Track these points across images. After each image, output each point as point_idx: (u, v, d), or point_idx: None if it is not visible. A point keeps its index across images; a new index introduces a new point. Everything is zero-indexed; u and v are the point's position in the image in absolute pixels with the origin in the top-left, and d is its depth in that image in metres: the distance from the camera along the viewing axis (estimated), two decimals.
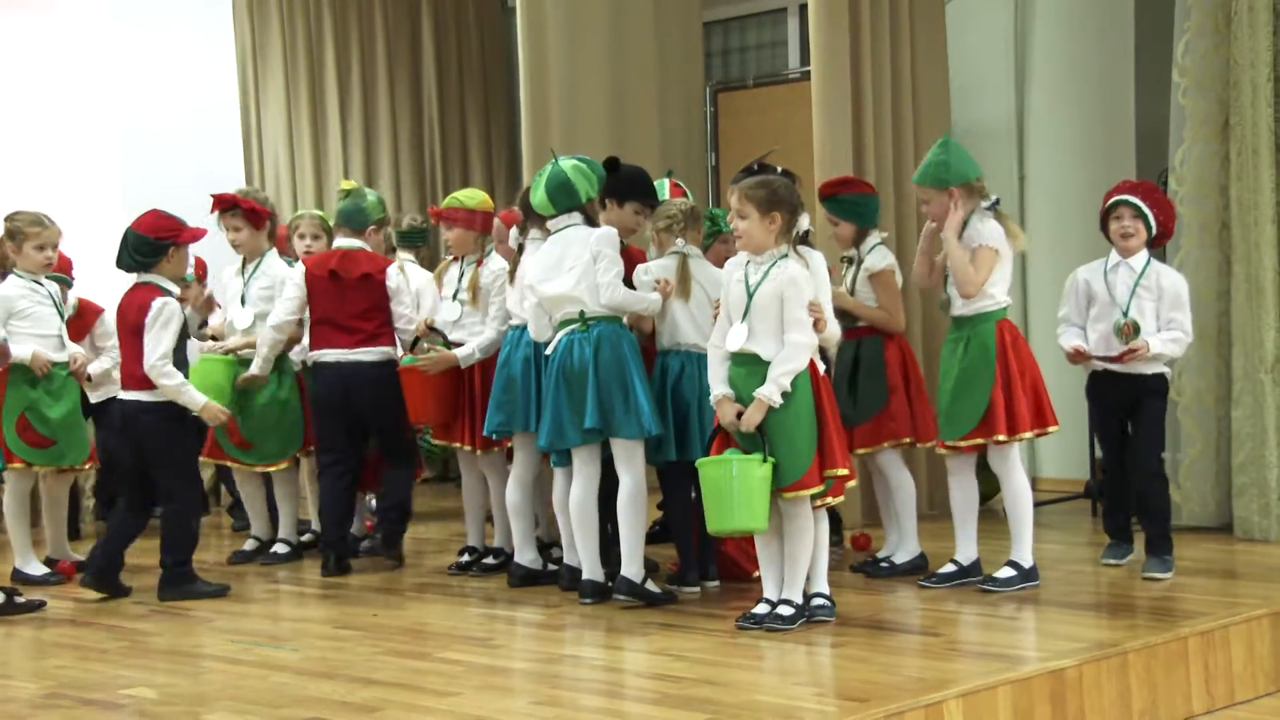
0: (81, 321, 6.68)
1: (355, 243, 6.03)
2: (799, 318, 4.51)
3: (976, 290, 4.97)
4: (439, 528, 7.22)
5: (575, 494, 5.09)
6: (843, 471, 4.59)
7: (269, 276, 6.18)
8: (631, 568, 4.99)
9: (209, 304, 6.68)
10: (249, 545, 6.43)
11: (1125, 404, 5.34)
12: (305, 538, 6.57)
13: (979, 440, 4.99)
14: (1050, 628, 4.59)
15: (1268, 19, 5.95)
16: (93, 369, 6.49)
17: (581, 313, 5.03)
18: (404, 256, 6.87)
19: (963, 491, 5.13)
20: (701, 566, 5.26)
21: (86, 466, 6.22)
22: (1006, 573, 5.02)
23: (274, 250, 6.30)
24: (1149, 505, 5.30)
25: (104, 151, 8.57)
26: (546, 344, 5.20)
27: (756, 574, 4.81)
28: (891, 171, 6.75)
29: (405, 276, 6.12)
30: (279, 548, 6.37)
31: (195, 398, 5.47)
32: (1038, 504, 6.44)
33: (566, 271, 5.04)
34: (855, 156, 6.65)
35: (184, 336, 5.53)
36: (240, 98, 9.08)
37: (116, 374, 6.42)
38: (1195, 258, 6.20)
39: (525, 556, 5.52)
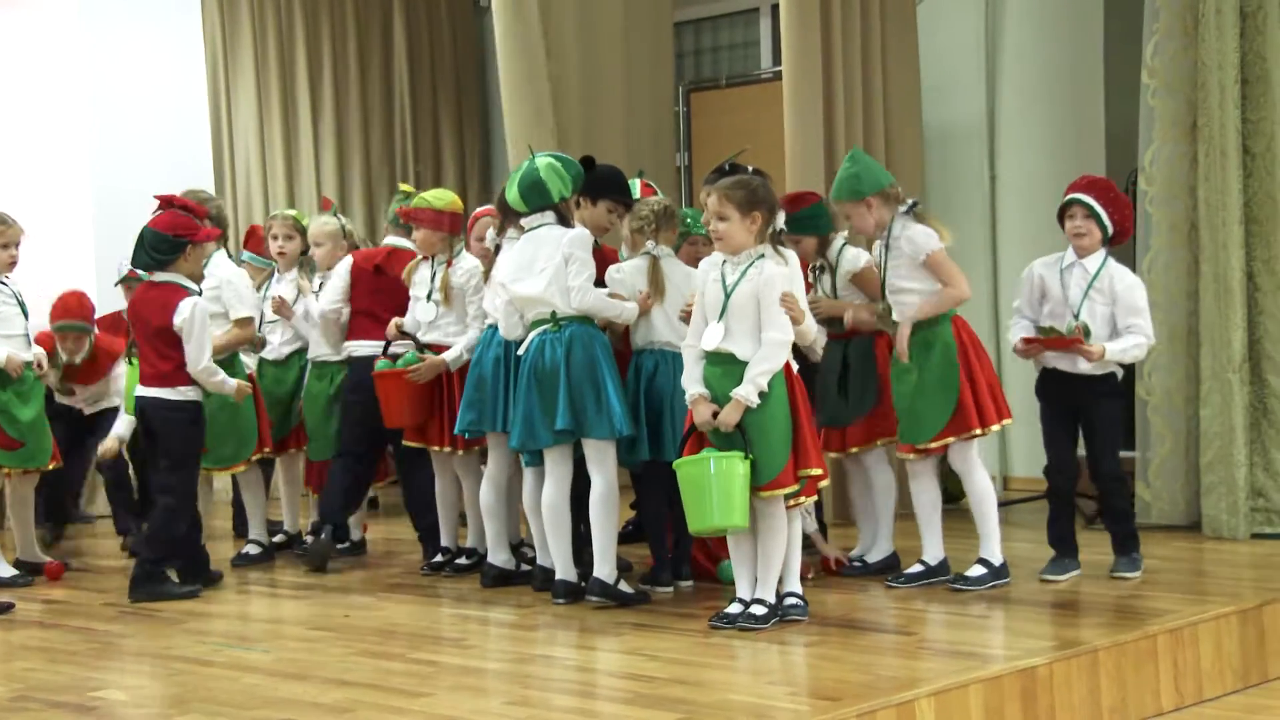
0: (95, 366, 6.63)
1: (404, 243, 6.06)
2: (776, 318, 4.52)
3: (968, 292, 4.98)
4: (410, 528, 7.19)
5: (547, 494, 5.08)
6: (816, 471, 4.60)
7: (215, 277, 6.12)
8: (604, 568, 4.99)
9: None
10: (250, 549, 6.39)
11: (1074, 406, 5.21)
12: (277, 538, 6.55)
13: (950, 439, 5.01)
14: (1020, 626, 4.61)
15: (1235, 21, 5.99)
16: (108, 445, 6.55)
17: (553, 313, 5.03)
18: (396, 240, 6.75)
19: (927, 493, 5.15)
20: (675, 566, 5.27)
21: (51, 467, 6.18)
22: (977, 571, 5.04)
23: (221, 251, 6.26)
24: (1112, 507, 5.28)
25: (74, 150, 8.50)
26: (518, 344, 5.20)
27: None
28: None
29: None
30: (250, 548, 6.35)
31: (230, 384, 5.66)
32: (1008, 503, 6.50)
33: (538, 273, 5.03)
34: (826, 156, 6.67)
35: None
36: (210, 96, 9.03)
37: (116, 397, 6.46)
38: (1165, 258, 6.25)
39: (499, 557, 5.51)
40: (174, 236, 5.48)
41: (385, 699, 3.96)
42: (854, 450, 5.40)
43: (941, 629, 4.60)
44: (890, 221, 5.04)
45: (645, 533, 5.49)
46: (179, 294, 5.47)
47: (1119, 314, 5.12)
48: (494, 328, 5.39)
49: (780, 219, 4.73)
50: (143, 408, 5.56)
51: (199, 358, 5.47)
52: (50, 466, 6.15)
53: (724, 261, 4.62)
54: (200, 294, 5.57)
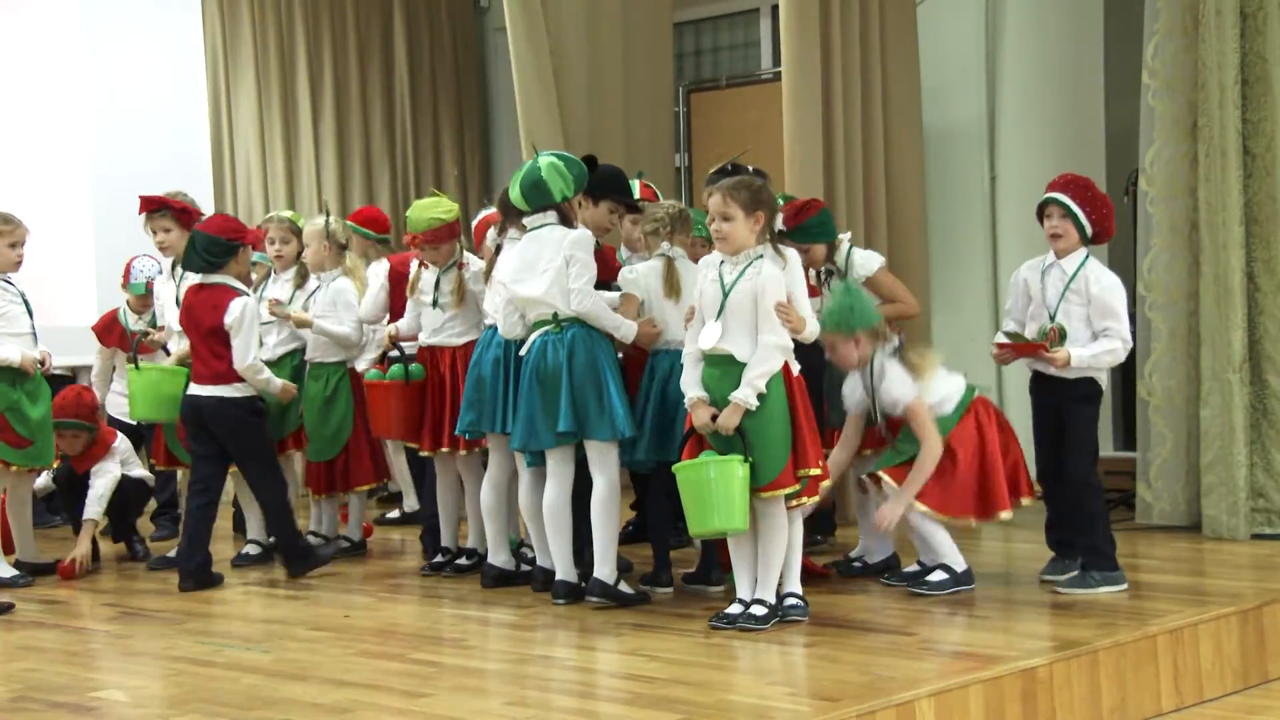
0: (93, 451, 6.49)
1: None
2: (773, 320, 4.52)
3: (939, 449, 4.92)
4: (412, 528, 7.20)
5: (549, 495, 5.08)
6: (815, 471, 4.59)
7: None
8: (604, 569, 4.99)
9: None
10: (174, 552, 6.37)
11: (1053, 409, 5.14)
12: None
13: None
14: (1021, 626, 4.61)
15: (1235, 22, 5.99)
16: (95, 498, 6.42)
17: (555, 314, 5.02)
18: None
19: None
20: (705, 571, 5.24)
21: (56, 465, 6.18)
22: (938, 576, 4.98)
23: None
24: (1081, 513, 5.09)
25: (74, 150, 8.51)
26: (519, 345, 5.20)
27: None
28: (861, 172, 6.77)
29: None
30: (250, 549, 6.35)
31: (276, 383, 5.88)
32: None
33: (540, 274, 5.03)
34: (825, 157, 6.67)
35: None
36: (210, 96, 9.03)
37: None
38: (1165, 259, 6.24)
39: (499, 558, 5.51)
40: (226, 240, 5.73)
41: (385, 699, 3.96)
42: (866, 453, 5.35)
43: (942, 629, 4.60)
44: (871, 357, 5.00)
45: (648, 533, 5.48)
46: (230, 294, 5.71)
47: (1093, 316, 5.00)
48: (494, 328, 5.39)
49: (779, 219, 4.73)
50: (198, 405, 5.73)
51: (245, 355, 5.69)
52: (55, 466, 6.16)
53: (721, 262, 4.63)
54: (249, 294, 5.80)
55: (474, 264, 5.75)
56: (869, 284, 5.44)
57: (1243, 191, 6.03)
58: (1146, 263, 6.28)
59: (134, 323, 7.16)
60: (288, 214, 6.75)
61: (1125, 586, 4.99)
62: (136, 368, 6.16)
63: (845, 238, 5.56)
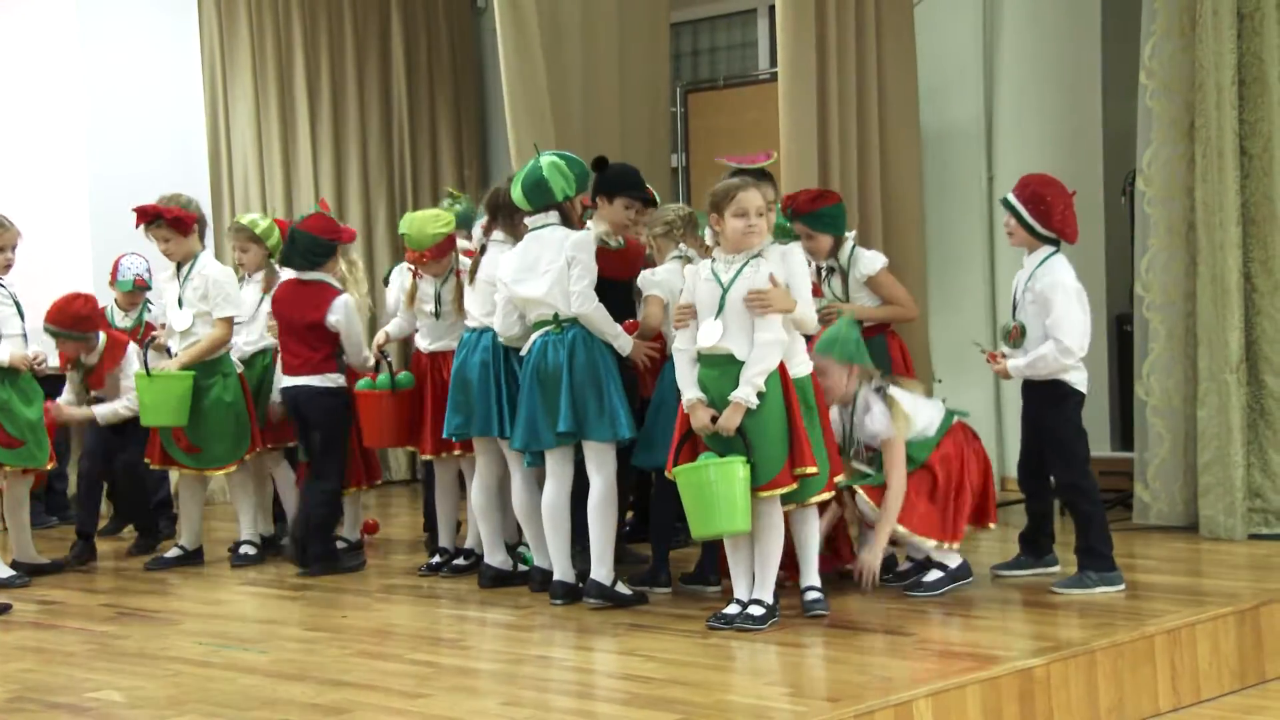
0: (103, 363, 6.58)
1: (467, 244, 6.12)
2: (770, 317, 4.52)
3: (904, 485, 4.93)
4: (409, 529, 7.20)
5: (548, 495, 5.09)
6: (812, 469, 4.59)
7: (202, 278, 6.14)
8: (601, 570, 4.99)
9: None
10: (172, 553, 6.36)
11: (1031, 413, 5.19)
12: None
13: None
14: (1018, 627, 4.61)
15: (1232, 22, 5.99)
16: (101, 411, 6.55)
17: (555, 315, 5.02)
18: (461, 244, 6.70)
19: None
20: (701, 573, 5.23)
21: (50, 467, 6.17)
22: (934, 575, 4.99)
23: (207, 252, 6.26)
24: (1074, 518, 5.14)
25: (70, 153, 8.50)
26: (506, 348, 5.23)
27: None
28: (858, 172, 6.77)
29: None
30: (246, 549, 6.35)
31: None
32: (1005, 504, 6.49)
33: (541, 274, 5.03)
34: (821, 157, 6.67)
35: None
36: (207, 98, 9.02)
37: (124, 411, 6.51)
38: (1163, 259, 6.24)
39: (495, 558, 5.51)
40: (327, 240, 5.96)
41: (383, 700, 3.96)
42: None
43: (939, 629, 4.60)
44: (856, 392, 5.03)
45: (648, 533, 5.47)
46: (330, 292, 5.97)
47: (1039, 315, 5.03)
48: (478, 331, 5.37)
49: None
50: (294, 396, 5.98)
51: (359, 350, 6.04)
52: (49, 467, 6.14)
53: (713, 262, 4.63)
54: (345, 291, 6.00)
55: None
56: (870, 284, 5.44)
57: (1240, 192, 6.03)
58: (1144, 263, 6.28)
59: (120, 319, 7.16)
60: (245, 220, 6.71)
61: (1123, 587, 4.99)
62: (148, 374, 6.13)
63: (851, 236, 5.56)
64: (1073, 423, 5.08)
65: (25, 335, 6.03)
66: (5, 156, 8.39)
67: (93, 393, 6.64)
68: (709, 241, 4.78)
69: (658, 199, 5.75)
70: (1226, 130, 5.99)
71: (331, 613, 5.23)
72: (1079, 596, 4.92)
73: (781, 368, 4.57)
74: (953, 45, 7.79)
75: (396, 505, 8.02)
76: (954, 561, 4.97)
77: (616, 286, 5.26)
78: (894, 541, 5.12)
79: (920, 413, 5.07)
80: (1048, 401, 5.07)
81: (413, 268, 5.80)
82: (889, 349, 5.42)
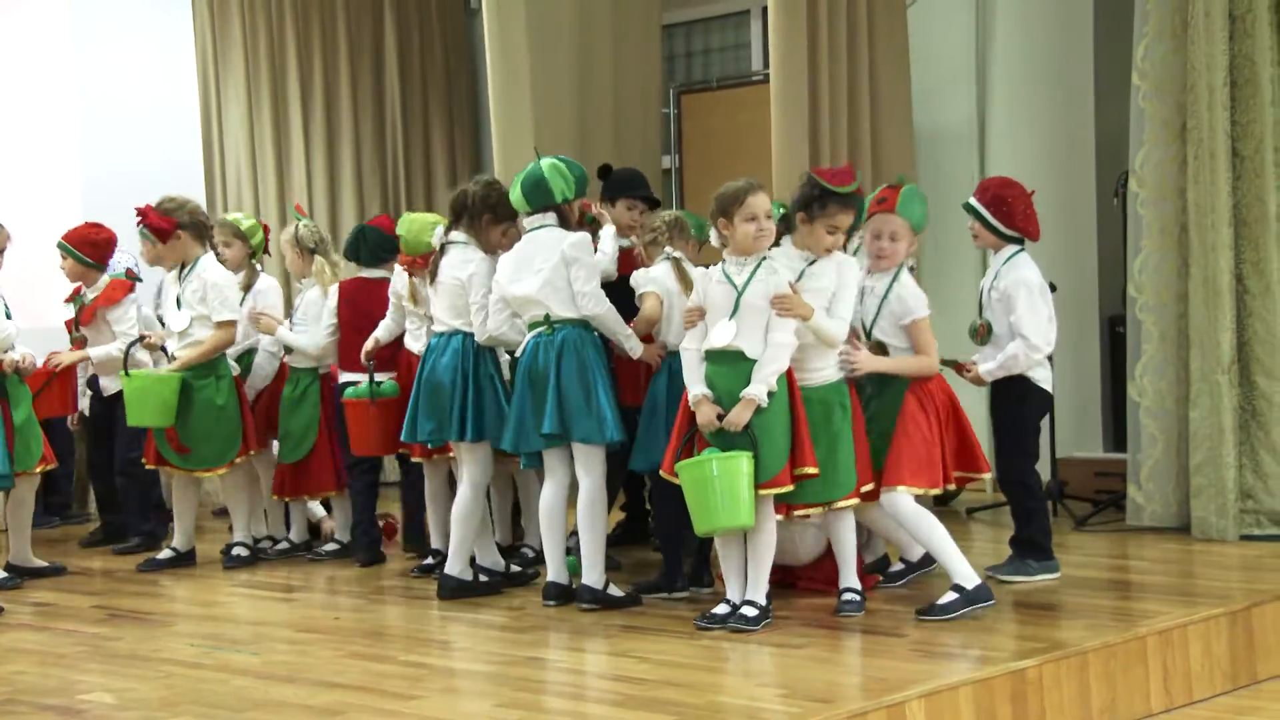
0: (104, 296, 6.67)
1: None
2: (787, 320, 4.57)
3: (936, 365, 4.87)
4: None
5: (545, 497, 5.09)
6: (812, 470, 4.59)
7: (201, 281, 6.15)
8: (593, 575, 4.99)
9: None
10: (163, 554, 6.35)
11: (995, 410, 5.23)
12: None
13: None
14: (1011, 628, 4.62)
15: (1224, 24, 6.00)
16: (96, 353, 6.62)
17: (546, 315, 5.02)
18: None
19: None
20: (697, 572, 5.23)
21: (38, 470, 6.14)
22: (949, 597, 4.73)
23: (209, 255, 6.25)
24: (1015, 511, 5.21)
25: (63, 153, 8.49)
26: (507, 348, 5.24)
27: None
28: None
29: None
30: (239, 550, 6.34)
31: None
32: (1000, 505, 6.50)
33: (534, 273, 5.03)
34: (813, 159, 6.67)
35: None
36: (201, 100, 9.02)
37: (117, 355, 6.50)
38: (1155, 260, 6.25)
39: (455, 567, 5.36)
40: (394, 237, 5.92)
41: (376, 701, 3.95)
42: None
43: (932, 631, 4.60)
44: (900, 264, 4.93)
45: (657, 539, 5.40)
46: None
47: (1006, 312, 5.10)
48: (446, 334, 5.35)
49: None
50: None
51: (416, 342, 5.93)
52: (38, 470, 6.12)
53: (724, 265, 4.67)
54: None
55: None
56: (909, 328, 5.18)
57: (1231, 193, 6.04)
58: (1137, 264, 6.29)
59: None
60: (231, 217, 6.75)
61: (1058, 574, 5.19)
62: (127, 374, 6.16)
63: (859, 237, 5.53)
64: (1031, 421, 5.19)
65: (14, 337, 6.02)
66: None
67: (82, 330, 6.68)
68: (715, 243, 4.78)
69: (659, 199, 5.79)
70: (1218, 132, 6.00)
71: (324, 614, 5.22)
72: (1022, 583, 5.06)
73: (789, 372, 4.60)
74: (945, 47, 7.80)
75: (390, 506, 7.99)
76: (970, 582, 4.69)
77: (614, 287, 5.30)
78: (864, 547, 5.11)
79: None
80: (1012, 398, 5.17)
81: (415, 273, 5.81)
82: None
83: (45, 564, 6.24)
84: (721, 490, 4.46)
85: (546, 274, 5.00)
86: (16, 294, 6.22)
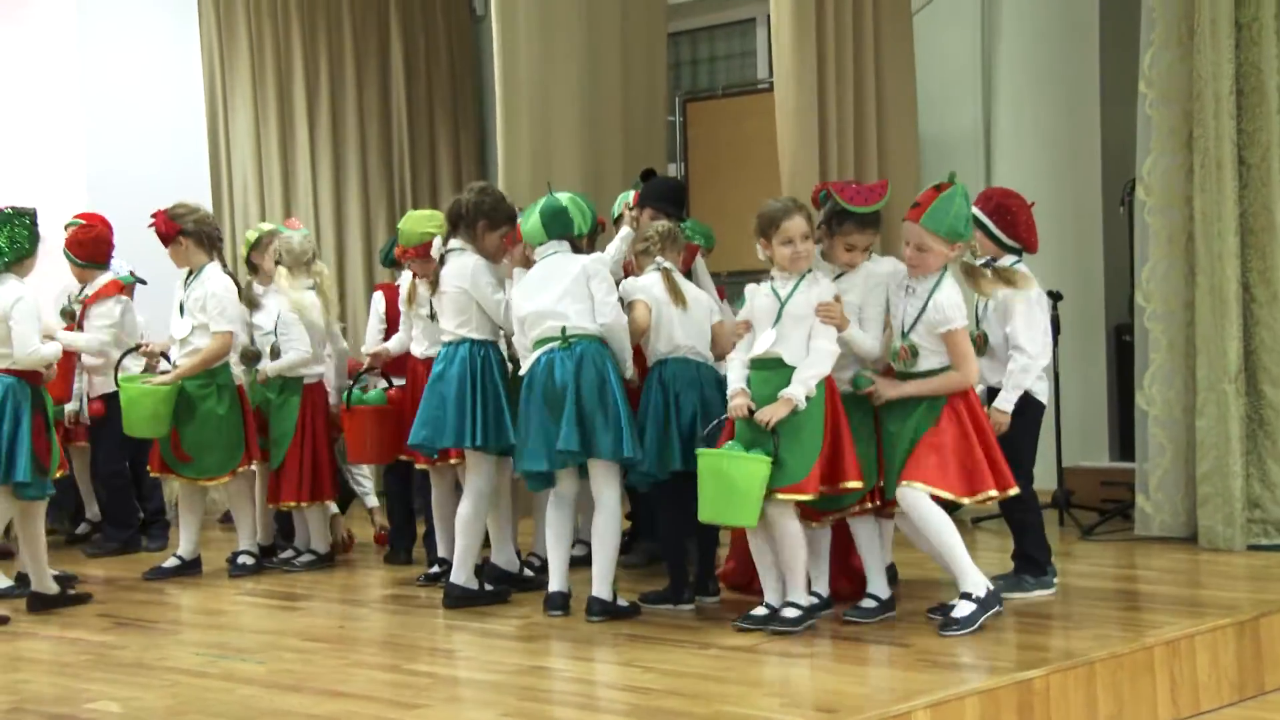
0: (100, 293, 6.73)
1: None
2: (827, 327, 4.63)
3: (976, 378, 4.76)
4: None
5: (552, 508, 5.10)
6: (855, 484, 4.61)
7: (202, 288, 6.16)
8: (603, 588, 5.00)
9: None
10: (169, 563, 6.35)
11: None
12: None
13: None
14: (1017, 638, 4.60)
15: (1230, 32, 5.99)
16: (86, 340, 6.66)
17: (564, 329, 5.02)
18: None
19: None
20: (701, 582, 5.22)
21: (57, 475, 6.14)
22: (966, 609, 4.61)
23: (214, 263, 6.24)
24: (1012, 525, 5.19)
25: (69, 161, 8.50)
26: (500, 361, 5.32)
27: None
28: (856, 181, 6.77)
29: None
30: (244, 558, 6.34)
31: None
32: (989, 517, 6.50)
33: (553, 286, 5.05)
34: (820, 166, 6.67)
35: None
36: (207, 105, 9.03)
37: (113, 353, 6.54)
38: (1163, 268, 6.24)
39: (460, 575, 5.36)
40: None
41: (381, 711, 3.95)
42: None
43: (938, 641, 4.58)
44: (944, 269, 4.69)
45: (663, 552, 5.35)
46: None
47: (1002, 323, 5.05)
48: (454, 343, 5.37)
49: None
50: None
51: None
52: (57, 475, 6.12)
53: (771, 280, 4.75)
54: None
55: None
56: (946, 337, 4.99)
57: (1238, 202, 6.03)
58: (1145, 273, 6.28)
59: None
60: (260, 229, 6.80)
61: (1054, 590, 5.13)
62: (117, 385, 6.17)
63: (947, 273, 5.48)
64: (1028, 433, 5.15)
65: None
66: (3, 162, 8.39)
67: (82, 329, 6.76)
68: (760, 257, 4.80)
69: (683, 216, 5.83)
70: (1225, 140, 5.99)
71: (329, 623, 5.22)
72: (1018, 599, 5.00)
73: (829, 381, 4.63)
74: (951, 54, 7.80)
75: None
76: (982, 588, 4.60)
77: None
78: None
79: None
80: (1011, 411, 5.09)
81: (413, 269, 5.86)
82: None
83: (57, 572, 6.08)
84: (736, 487, 4.50)
85: (567, 285, 5.03)
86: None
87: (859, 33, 6.86)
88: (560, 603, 5.07)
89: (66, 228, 6.95)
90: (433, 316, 5.77)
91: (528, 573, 5.57)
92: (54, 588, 5.67)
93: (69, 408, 6.89)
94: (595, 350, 5.00)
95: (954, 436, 4.60)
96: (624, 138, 7.91)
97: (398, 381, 6.19)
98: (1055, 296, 6.63)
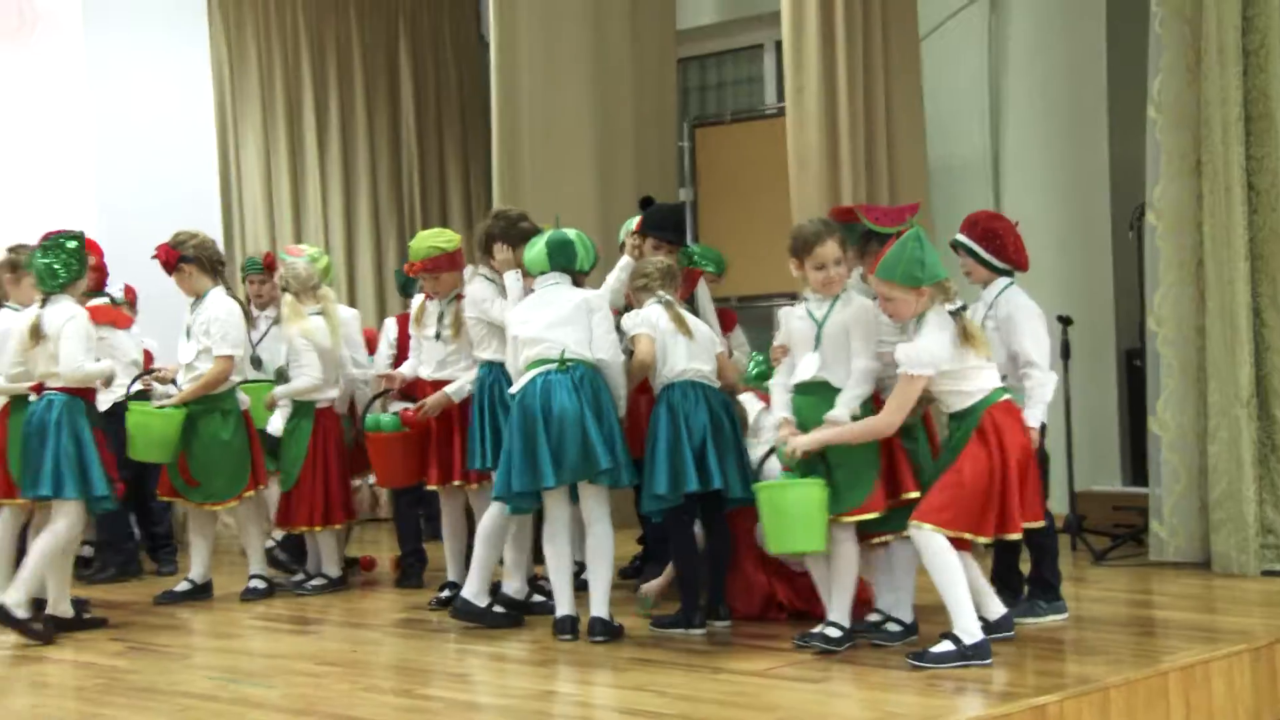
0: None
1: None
2: (866, 346, 4.65)
3: (889, 431, 4.57)
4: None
5: (551, 535, 5.09)
6: (915, 495, 4.62)
7: (206, 313, 6.17)
8: (604, 609, 5.02)
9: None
10: (181, 587, 6.35)
11: None
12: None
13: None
14: (1032, 663, 4.59)
15: (1237, 57, 6.01)
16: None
17: (563, 352, 5.03)
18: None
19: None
20: (712, 606, 5.22)
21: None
22: (945, 646, 4.45)
23: (217, 288, 6.25)
24: (1030, 549, 5.10)
25: (80, 186, 8.54)
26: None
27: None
28: None
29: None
30: (255, 583, 6.33)
31: None
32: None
33: (552, 312, 5.08)
34: (829, 191, 6.69)
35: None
36: (218, 133, 9.06)
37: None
38: (1175, 293, 6.23)
39: (472, 588, 5.38)
40: None
41: None
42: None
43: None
44: (925, 312, 4.57)
45: (677, 576, 5.30)
46: None
47: (1005, 339, 4.97)
48: (481, 366, 5.47)
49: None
50: None
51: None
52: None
53: (806, 302, 4.76)
54: None
55: (476, 293, 5.72)
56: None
57: (1247, 227, 6.03)
58: (1156, 298, 6.27)
59: None
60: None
61: (1066, 615, 5.11)
62: (126, 409, 6.17)
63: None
64: (1040, 453, 5.11)
65: None
66: (14, 189, 8.43)
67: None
68: (794, 275, 4.82)
69: (685, 243, 5.84)
70: (1233, 165, 5.99)
71: (340, 647, 5.21)
72: (1031, 625, 4.98)
73: (876, 398, 4.66)
74: (959, 79, 7.83)
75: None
76: (971, 637, 4.44)
77: None
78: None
79: (974, 378, 4.60)
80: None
81: (424, 286, 5.94)
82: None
83: (88, 616, 5.85)
84: (796, 516, 4.56)
85: (567, 312, 5.07)
86: None
87: (868, 58, 6.89)
88: (570, 627, 5.07)
89: None
90: (437, 335, 5.80)
91: (537, 598, 5.56)
92: (70, 611, 5.66)
93: None
94: (594, 376, 5.05)
95: (972, 474, 4.46)
96: (635, 163, 7.94)
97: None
98: (1065, 321, 6.65)
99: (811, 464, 4.60)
